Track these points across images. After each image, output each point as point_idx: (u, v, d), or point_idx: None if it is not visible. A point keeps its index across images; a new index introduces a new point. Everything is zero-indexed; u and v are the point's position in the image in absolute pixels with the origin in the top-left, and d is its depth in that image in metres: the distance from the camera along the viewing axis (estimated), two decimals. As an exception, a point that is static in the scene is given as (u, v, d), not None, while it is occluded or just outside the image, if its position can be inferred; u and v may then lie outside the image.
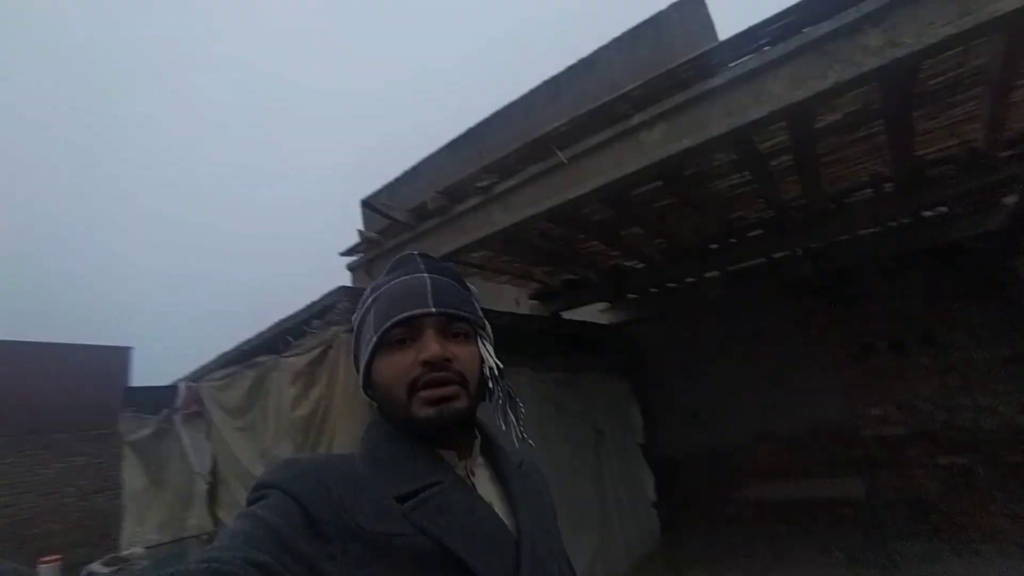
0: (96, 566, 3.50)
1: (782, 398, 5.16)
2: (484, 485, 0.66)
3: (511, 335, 4.46)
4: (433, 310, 0.64)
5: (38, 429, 7.67)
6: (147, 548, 3.72)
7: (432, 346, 0.62)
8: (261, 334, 3.57)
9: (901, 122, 2.45)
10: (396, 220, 3.20)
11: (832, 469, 4.79)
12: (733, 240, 4.22)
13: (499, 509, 0.63)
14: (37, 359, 9.36)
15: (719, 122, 2.06)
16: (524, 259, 4.03)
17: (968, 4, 1.60)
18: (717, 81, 2.06)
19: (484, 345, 0.69)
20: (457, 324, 0.66)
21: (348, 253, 3.63)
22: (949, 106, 2.50)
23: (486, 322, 0.71)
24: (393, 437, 0.63)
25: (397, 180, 4.13)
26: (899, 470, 4.47)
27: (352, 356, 0.72)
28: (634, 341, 6.05)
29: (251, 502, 0.54)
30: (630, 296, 5.73)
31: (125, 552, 3.65)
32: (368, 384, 0.68)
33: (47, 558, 3.00)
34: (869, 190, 3.46)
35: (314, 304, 3.29)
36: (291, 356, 3.30)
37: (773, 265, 4.91)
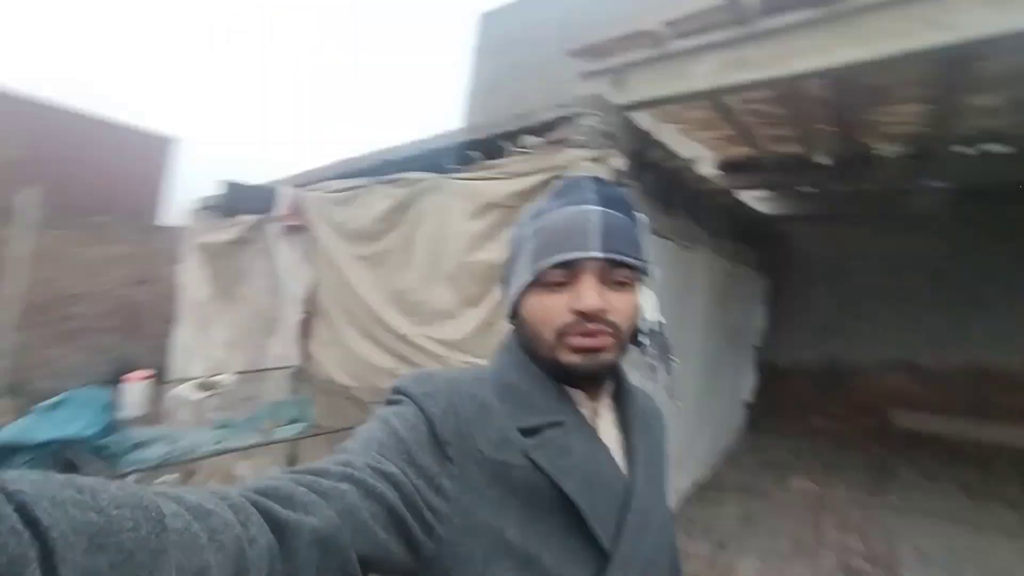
0: (185, 389, 2.93)
1: (933, 327, 4.38)
2: (606, 428, 0.63)
3: (698, 207, 3.46)
4: (597, 255, 0.57)
5: (79, 207, 6.87)
6: (237, 373, 3.12)
7: (590, 297, 0.56)
8: (420, 143, 2.50)
9: None
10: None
11: (978, 411, 4.20)
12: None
13: (616, 454, 0.62)
14: (79, 130, 8.20)
15: None
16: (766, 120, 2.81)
17: None
18: None
19: (645, 295, 0.63)
20: (620, 271, 0.59)
21: (585, 54, 2.30)
22: None
23: (652, 267, 0.63)
24: (523, 365, 0.61)
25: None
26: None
27: (502, 280, 0.67)
28: (784, 238, 5.08)
29: (387, 403, 0.57)
30: (802, 190, 4.60)
31: (214, 376, 3.05)
32: (514, 314, 0.64)
33: (135, 374, 2.31)
34: None
35: (527, 114, 2.18)
36: (476, 179, 2.28)
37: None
